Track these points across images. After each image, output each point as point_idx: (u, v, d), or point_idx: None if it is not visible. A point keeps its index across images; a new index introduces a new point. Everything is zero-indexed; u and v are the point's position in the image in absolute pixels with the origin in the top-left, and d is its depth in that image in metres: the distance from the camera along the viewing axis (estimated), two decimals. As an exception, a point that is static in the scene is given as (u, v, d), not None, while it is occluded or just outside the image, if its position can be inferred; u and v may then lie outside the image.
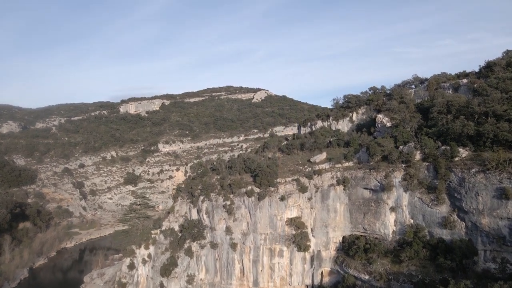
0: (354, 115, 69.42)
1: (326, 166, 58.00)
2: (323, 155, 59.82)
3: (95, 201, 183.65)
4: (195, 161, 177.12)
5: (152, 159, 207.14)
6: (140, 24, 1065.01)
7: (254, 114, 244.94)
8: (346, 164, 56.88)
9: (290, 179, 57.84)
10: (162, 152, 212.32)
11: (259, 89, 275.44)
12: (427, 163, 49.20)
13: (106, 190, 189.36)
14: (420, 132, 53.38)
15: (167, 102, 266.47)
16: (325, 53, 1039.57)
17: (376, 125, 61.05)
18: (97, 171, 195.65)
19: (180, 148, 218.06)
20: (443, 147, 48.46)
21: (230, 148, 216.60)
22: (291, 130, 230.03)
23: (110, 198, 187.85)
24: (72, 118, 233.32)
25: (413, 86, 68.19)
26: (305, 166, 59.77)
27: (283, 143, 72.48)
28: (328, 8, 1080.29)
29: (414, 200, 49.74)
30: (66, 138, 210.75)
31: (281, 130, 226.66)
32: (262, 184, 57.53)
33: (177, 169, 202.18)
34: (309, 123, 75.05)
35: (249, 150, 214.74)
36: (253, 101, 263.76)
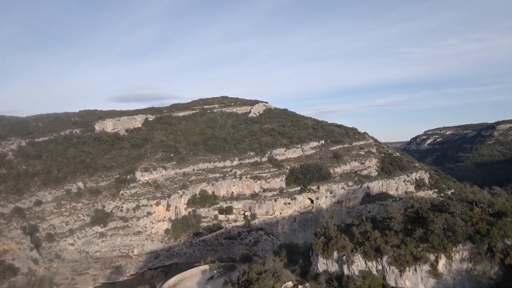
0: (442, 260, 29.68)
1: None
2: None
3: (51, 249, 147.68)
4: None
5: (128, 191, 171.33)
6: (140, 25, 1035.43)
7: (251, 132, 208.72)
8: None
9: None
10: (140, 182, 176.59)
11: (257, 102, 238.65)
12: None
13: (67, 233, 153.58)
14: None
15: (151, 118, 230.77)
16: (327, 53, 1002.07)
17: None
18: (58, 209, 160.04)
19: (163, 175, 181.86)
20: None
21: (222, 175, 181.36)
22: (293, 153, 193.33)
23: (72, 244, 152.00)
24: (36, 140, 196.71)
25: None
26: None
27: None
28: (330, 8, 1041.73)
29: None
30: (24, 167, 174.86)
31: (281, 153, 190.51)
32: None
33: (157, 204, 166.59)
34: (335, 253, 34.55)
35: (243, 178, 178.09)
36: (250, 115, 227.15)
